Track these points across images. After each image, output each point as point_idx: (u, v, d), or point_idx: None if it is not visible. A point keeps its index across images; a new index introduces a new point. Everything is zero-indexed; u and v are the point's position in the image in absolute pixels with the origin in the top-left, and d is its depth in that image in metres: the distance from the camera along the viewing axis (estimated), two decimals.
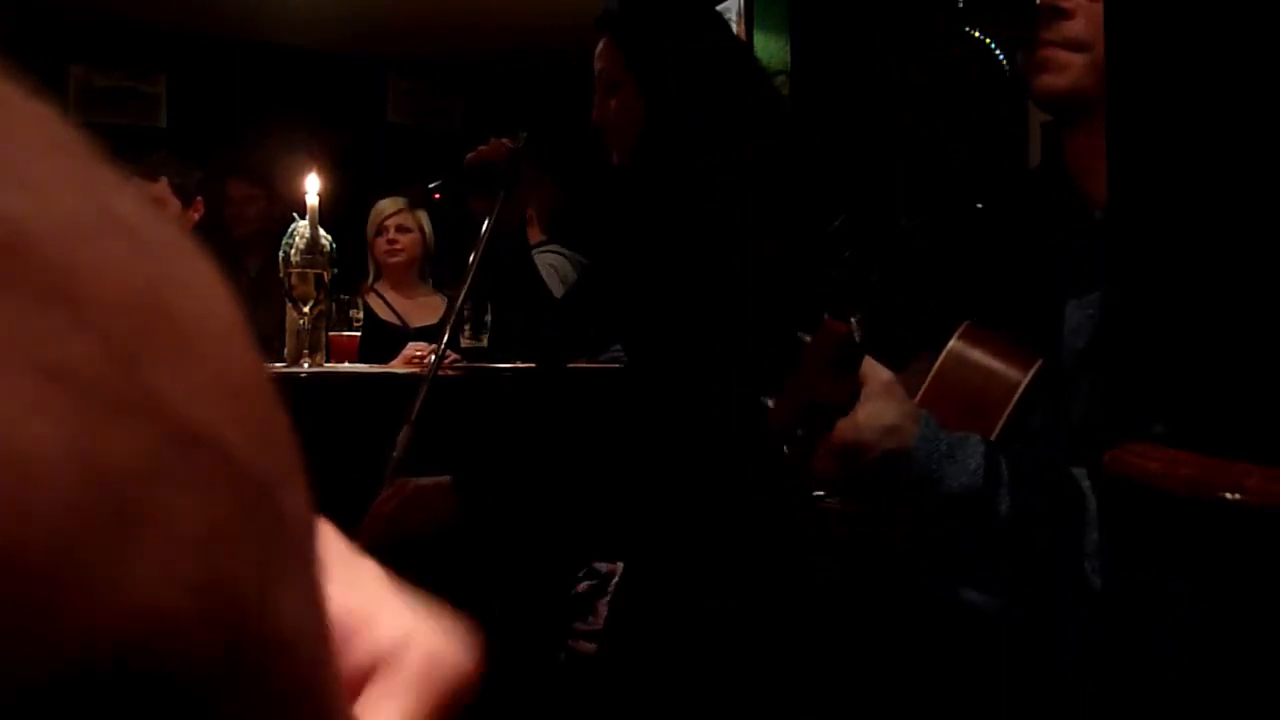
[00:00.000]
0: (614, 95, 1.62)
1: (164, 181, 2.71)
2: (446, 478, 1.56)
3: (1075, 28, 1.04)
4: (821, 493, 1.15)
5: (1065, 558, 0.92)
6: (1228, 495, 0.67)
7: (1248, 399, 0.73)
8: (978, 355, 1.08)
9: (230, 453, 0.15)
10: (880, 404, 0.96)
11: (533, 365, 2.04)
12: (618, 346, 1.95)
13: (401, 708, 0.23)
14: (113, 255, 0.14)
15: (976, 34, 2.50)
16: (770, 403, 0.99)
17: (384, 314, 2.95)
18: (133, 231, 0.15)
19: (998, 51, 2.48)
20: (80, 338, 0.13)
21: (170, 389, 0.14)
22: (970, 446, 0.96)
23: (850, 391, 0.96)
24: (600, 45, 1.65)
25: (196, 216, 2.81)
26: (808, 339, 0.98)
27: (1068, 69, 1.05)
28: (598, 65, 1.65)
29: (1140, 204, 0.82)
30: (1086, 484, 0.94)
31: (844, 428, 0.96)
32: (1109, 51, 0.87)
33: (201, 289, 0.16)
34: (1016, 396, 1.03)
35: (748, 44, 1.71)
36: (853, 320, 0.96)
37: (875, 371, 0.98)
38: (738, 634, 1.41)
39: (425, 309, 2.98)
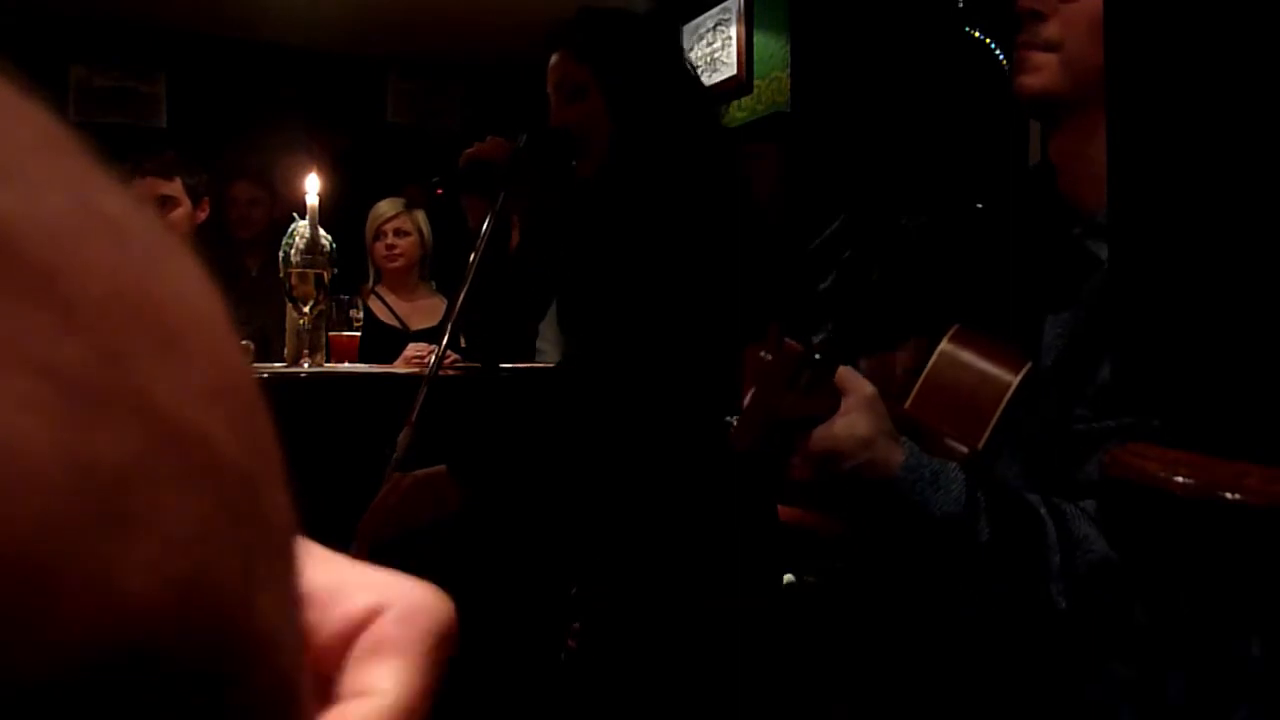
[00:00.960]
0: (575, 105, 1.65)
1: (178, 181, 2.73)
2: (441, 467, 1.57)
3: (1049, 29, 1.06)
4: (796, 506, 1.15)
5: (1036, 582, 0.93)
6: (1228, 495, 0.67)
7: (1248, 399, 0.73)
8: (968, 357, 1.08)
9: (217, 451, 0.15)
10: (857, 416, 0.96)
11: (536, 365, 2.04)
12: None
13: (394, 665, 0.23)
14: (101, 254, 0.14)
15: (976, 34, 2.50)
16: (732, 421, 1.00)
17: (384, 317, 2.95)
18: (121, 230, 0.15)
19: (998, 51, 2.48)
20: (68, 336, 0.13)
21: (158, 387, 0.14)
22: (951, 473, 0.96)
23: (829, 405, 0.97)
24: (555, 58, 1.68)
25: (203, 216, 2.83)
26: (766, 356, 0.99)
27: (1041, 69, 1.07)
28: (554, 77, 1.68)
29: (1140, 204, 0.82)
30: (1043, 510, 0.94)
31: (819, 436, 0.96)
32: (1108, 52, 0.87)
33: (188, 287, 0.16)
34: (1006, 398, 1.04)
35: (692, 64, 1.76)
36: (814, 339, 0.97)
37: (857, 384, 0.98)
38: (733, 631, 1.41)
39: (426, 311, 2.98)
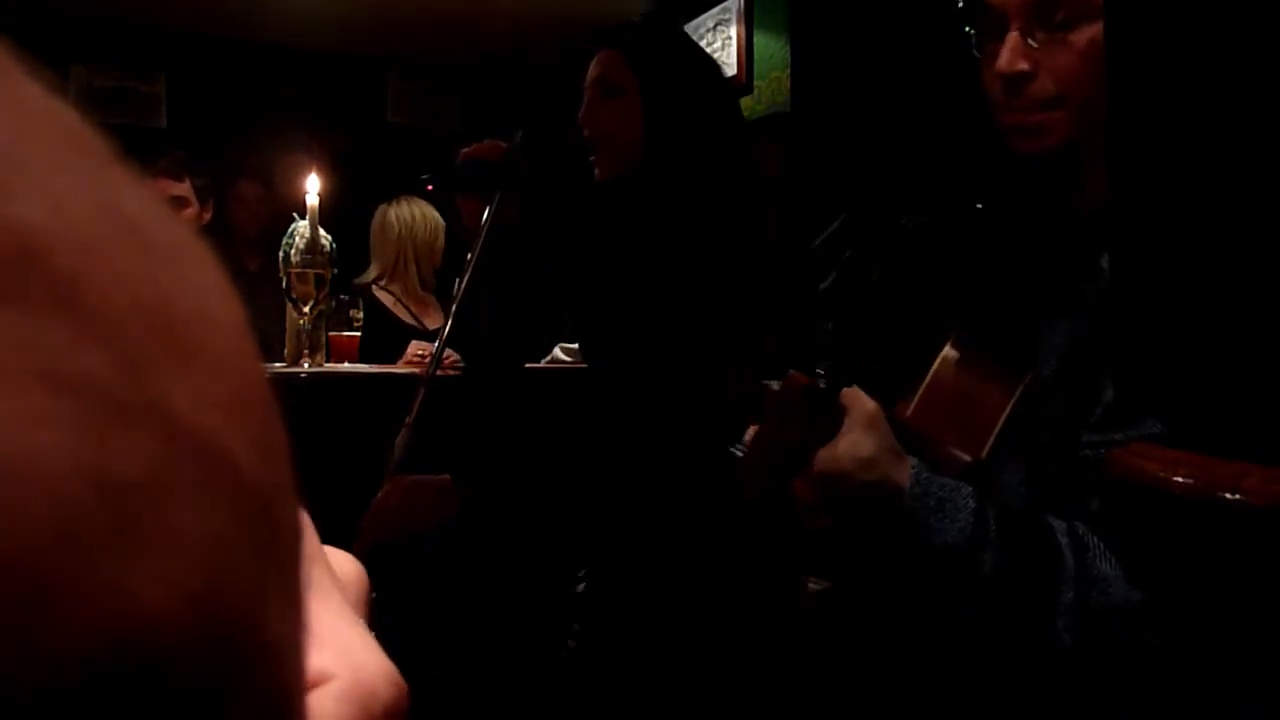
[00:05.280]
0: (613, 101, 1.64)
1: (188, 182, 2.74)
2: (446, 476, 1.57)
3: (1042, 87, 0.99)
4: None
5: (1039, 617, 0.92)
6: (1228, 495, 0.67)
7: (1247, 399, 0.73)
8: (970, 364, 1.07)
9: (234, 465, 0.15)
10: (860, 435, 0.96)
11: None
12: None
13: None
14: (124, 264, 0.14)
15: None
16: (739, 453, 1.00)
17: (397, 311, 2.92)
18: (145, 237, 0.15)
19: None
20: (88, 349, 0.13)
21: (177, 400, 0.14)
22: (960, 499, 0.95)
23: (832, 426, 0.97)
24: (603, 55, 1.66)
25: (207, 217, 2.85)
26: (774, 386, 0.99)
27: (1053, 128, 1.00)
28: (595, 72, 1.66)
29: (1142, 206, 0.82)
30: (1065, 540, 0.93)
31: (823, 458, 0.96)
32: (1109, 55, 0.87)
33: (211, 296, 0.16)
34: (1010, 406, 1.03)
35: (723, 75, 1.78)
36: (818, 371, 0.97)
37: (859, 403, 0.97)
38: (733, 631, 1.41)
39: (437, 310, 2.96)
